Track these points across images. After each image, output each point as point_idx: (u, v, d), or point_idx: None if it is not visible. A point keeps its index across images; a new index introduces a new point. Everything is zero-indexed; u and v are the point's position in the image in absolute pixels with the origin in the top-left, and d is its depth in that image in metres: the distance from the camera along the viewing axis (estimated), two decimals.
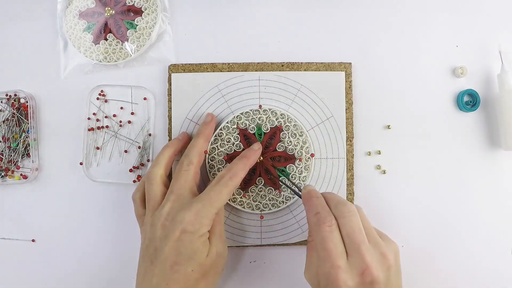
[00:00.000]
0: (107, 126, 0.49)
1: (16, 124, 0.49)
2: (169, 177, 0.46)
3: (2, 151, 0.49)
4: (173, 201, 0.41)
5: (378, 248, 0.37)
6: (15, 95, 0.49)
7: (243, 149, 0.47)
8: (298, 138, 0.47)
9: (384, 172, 0.48)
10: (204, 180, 0.47)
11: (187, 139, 0.46)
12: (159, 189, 0.43)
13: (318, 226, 0.38)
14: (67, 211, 0.48)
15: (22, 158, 0.49)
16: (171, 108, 0.48)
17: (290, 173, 0.47)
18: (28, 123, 0.48)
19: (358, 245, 0.37)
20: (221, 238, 0.42)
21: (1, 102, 0.49)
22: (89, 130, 0.48)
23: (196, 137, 0.45)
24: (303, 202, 0.41)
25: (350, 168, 0.48)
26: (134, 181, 0.48)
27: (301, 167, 0.47)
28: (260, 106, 0.47)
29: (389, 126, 0.48)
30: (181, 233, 0.39)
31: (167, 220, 0.40)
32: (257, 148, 0.45)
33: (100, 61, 0.48)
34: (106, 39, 0.48)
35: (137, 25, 0.48)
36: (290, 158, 0.47)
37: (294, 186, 0.46)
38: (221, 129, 0.47)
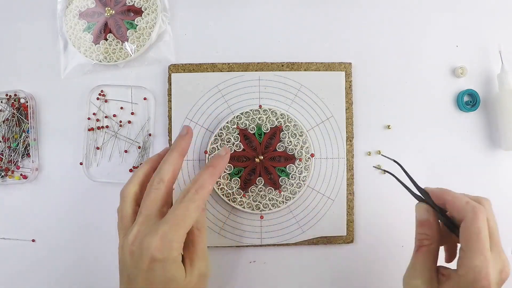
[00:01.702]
0: (107, 126, 0.49)
1: (16, 124, 0.49)
2: None
3: (2, 151, 0.49)
4: (140, 223, 0.37)
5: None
6: (15, 95, 0.49)
7: (243, 149, 0.47)
8: (298, 138, 0.47)
9: (384, 172, 0.48)
10: None
11: None
12: (131, 208, 0.40)
13: (474, 214, 0.34)
14: (67, 211, 0.48)
15: (22, 158, 0.49)
16: (171, 108, 0.48)
17: (290, 173, 0.47)
18: (28, 123, 0.48)
19: (497, 241, 0.35)
20: (203, 257, 0.39)
21: (1, 102, 0.49)
22: (89, 130, 0.48)
23: (170, 152, 0.41)
24: (433, 197, 0.38)
25: (350, 168, 0.48)
26: None
27: (301, 167, 0.47)
28: (260, 106, 0.47)
29: (389, 126, 0.48)
30: (150, 262, 0.35)
31: (134, 245, 0.37)
32: (224, 153, 0.43)
33: (100, 61, 0.48)
34: (106, 39, 0.48)
35: (137, 25, 0.48)
36: (290, 158, 0.47)
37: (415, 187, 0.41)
38: (221, 129, 0.47)
